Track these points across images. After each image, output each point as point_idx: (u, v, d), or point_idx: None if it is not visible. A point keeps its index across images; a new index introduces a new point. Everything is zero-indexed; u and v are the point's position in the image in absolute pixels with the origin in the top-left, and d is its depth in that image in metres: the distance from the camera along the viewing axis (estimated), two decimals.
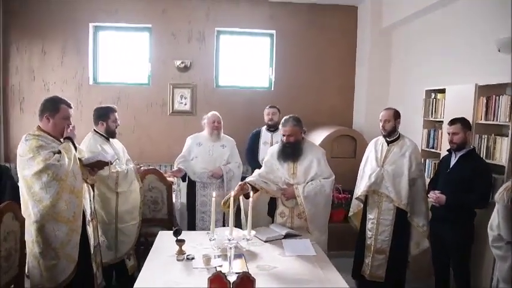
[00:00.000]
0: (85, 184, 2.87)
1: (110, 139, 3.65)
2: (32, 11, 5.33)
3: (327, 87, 5.82)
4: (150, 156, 5.50)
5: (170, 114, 5.62)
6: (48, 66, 5.44)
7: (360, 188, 3.63)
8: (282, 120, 3.27)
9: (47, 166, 2.50)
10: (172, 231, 2.74)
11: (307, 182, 3.18)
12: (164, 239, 2.87)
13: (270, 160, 3.35)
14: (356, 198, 3.73)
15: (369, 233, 3.58)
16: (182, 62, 5.53)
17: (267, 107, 4.69)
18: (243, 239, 2.34)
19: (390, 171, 3.44)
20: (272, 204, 3.36)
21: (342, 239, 4.28)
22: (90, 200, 2.95)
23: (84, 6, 5.37)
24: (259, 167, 4.31)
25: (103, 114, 3.62)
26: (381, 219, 3.50)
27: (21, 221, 2.55)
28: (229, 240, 2.15)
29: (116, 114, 3.69)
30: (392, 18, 5.03)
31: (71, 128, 2.85)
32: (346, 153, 4.97)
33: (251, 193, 2.52)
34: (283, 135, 3.23)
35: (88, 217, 2.89)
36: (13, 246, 2.49)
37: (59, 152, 2.61)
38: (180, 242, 2.59)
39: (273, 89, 5.81)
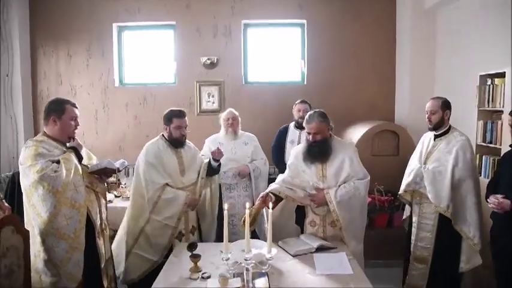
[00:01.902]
0: (93, 193, 2.66)
1: (179, 148, 3.27)
2: (57, 14, 5.27)
3: (364, 78, 5.33)
4: None
5: (198, 114, 5.36)
6: (74, 70, 5.36)
7: (403, 186, 3.20)
8: (306, 116, 2.90)
9: (42, 177, 2.32)
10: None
11: (339, 185, 2.79)
12: (183, 252, 2.57)
13: (294, 162, 3.00)
14: (399, 196, 3.30)
15: (412, 239, 3.15)
16: (208, 59, 5.26)
17: (297, 101, 4.31)
18: (263, 259, 1.97)
19: (431, 170, 2.99)
20: (300, 212, 2.97)
21: (387, 246, 3.84)
22: (100, 210, 2.72)
23: (106, 6, 5.24)
24: (285, 167, 4.02)
25: (166, 118, 3.26)
26: (422, 224, 3.07)
27: (24, 235, 2.35)
28: (245, 260, 1.81)
29: (182, 120, 3.20)
30: None
31: (76, 138, 2.71)
32: (388, 150, 4.49)
33: (270, 205, 2.15)
34: (309, 134, 2.86)
35: (98, 228, 2.66)
36: (15, 262, 2.29)
37: (59, 162, 2.39)
38: (195, 258, 2.29)
39: (305, 82, 5.40)
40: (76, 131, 2.67)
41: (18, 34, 5.09)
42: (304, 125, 2.92)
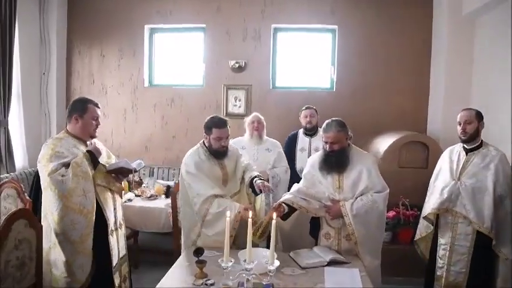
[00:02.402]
0: (109, 192, 2.69)
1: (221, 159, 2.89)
2: (92, 15, 5.44)
3: (396, 87, 5.13)
4: None
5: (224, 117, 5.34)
6: (106, 70, 5.50)
7: (429, 205, 3.00)
8: (324, 125, 2.76)
9: (50, 181, 2.39)
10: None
11: (356, 198, 2.66)
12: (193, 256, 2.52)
13: (310, 172, 2.87)
14: (424, 218, 3.09)
15: (439, 262, 2.93)
16: (237, 62, 5.24)
17: (303, 108, 4.22)
18: (266, 272, 1.89)
19: (469, 186, 2.79)
20: (315, 223, 2.86)
21: (409, 263, 3.65)
22: (115, 209, 2.74)
23: (139, 8, 5.35)
24: (297, 177, 3.86)
25: (206, 127, 2.81)
26: (456, 246, 2.84)
27: (38, 229, 2.39)
28: (246, 269, 1.74)
29: (222, 131, 2.76)
30: (475, 3, 4.23)
31: (94, 141, 2.75)
32: (416, 162, 4.27)
33: (274, 215, 2.06)
34: (326, 143, 2.73)
35: (111, 226, 2.68)
36: (27, 255, 2.33)
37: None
38: (201, 264, 2.23)
39: (334, 89, 5.27)
40: (97, 130, 2.71)
41: (55, 33, 5.30)
42: (321, 133, 2.80)
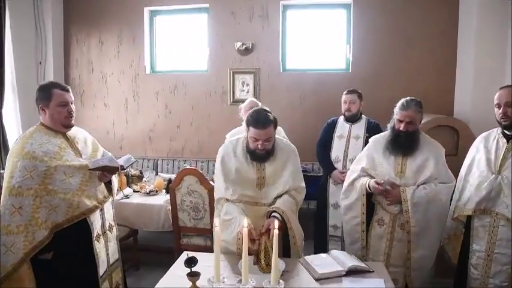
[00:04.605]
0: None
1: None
2: (90, 1, 5.10)
3: (418, 67, 4.64)
4: (209, 151, 4.96)
5: (231, 104, 4.97)
6: (105, 57, 5.19)
7: (461, 204, 2.55)
8: (401, 102, 2.61)
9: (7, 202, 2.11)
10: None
11: (418, 186, 2.51)
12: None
13: (371, 153, 2.72)
14: (453, 219, 2.64)
15: (473, 272, 2.48)
16: (243, 44, 4.84)
17: (344, 92, 3.77)
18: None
19: None
20: (368, 207, 2.67)
21: (438, 263, 3.23)
22: (101, 210, 2.40)
23: None
24: (331, 165, 3.60)
25: (246, 121, 2.37)
26: (496, 254, 2.37)
27: None
28: None
29: (260, 132, 2.27)
30: None
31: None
32: (444, 149, 3.82)
33: (276, 224, 1.69)
34: (400, 121, 2.57)
35: (98, 231, 2.36)
36: None
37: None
38: (193, 277, 1.89)
39: (350, 70, 4.81)
40: (72, 118, 2.33)
41: (51, 22, 5.02)
42: (396, 110, 2.63)
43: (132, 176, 4.02)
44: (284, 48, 4.95)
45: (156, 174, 4.53)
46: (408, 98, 2.62)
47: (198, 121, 5.07)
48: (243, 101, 4.80)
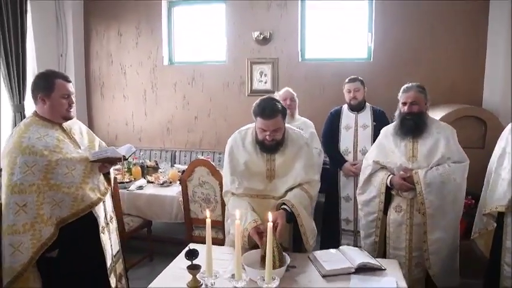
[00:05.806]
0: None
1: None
2: None
3: (444, 55, 4.40)
4: (226, 143, 4.88)
5: (249, 95, 4.89)
6: (124, 49, 5.21)
7: (492, 200, 2.38)
8: (403, 87, 2.66)
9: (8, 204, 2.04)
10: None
11: (431, 167, 2.49)
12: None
13: (382, 142, 2.73)
14: (484, 215, 2.48)
15: (506, 270, 2.31)
16: (261, 33, 4.74)
17: (346, 80, 3.62)
18: None
19: None
20: (385, 195, 2.64)
21: (465, 263, 3.04)
22: (104, 201, 2.37)
23: None
24: (342, 157, 3.48)
25: (252, 111, 2.28)
26: None
27: None
28: None
29: (267, 122, 2.18)
30: None
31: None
32: (471, 141, 3.59)
33: (270, 217, 1.59)
34: (404, 104, 2.61)
35: (102, 223, 2.34)
36: None
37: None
38: (194, 270, 1.83)
39: (372, 59, 4.63)
40: (72, 109, 2.25)
41: (71, 14, 5.07)
42: (400, 95, 2.68)
43: (147, 167, 4.02)
44: (303, 37, 4.81)
45: (172, 165, 4.52)
46: (409, 83, 2.70)
47: (215, 113, 5.03)
48: (261, 91, 4.77)
